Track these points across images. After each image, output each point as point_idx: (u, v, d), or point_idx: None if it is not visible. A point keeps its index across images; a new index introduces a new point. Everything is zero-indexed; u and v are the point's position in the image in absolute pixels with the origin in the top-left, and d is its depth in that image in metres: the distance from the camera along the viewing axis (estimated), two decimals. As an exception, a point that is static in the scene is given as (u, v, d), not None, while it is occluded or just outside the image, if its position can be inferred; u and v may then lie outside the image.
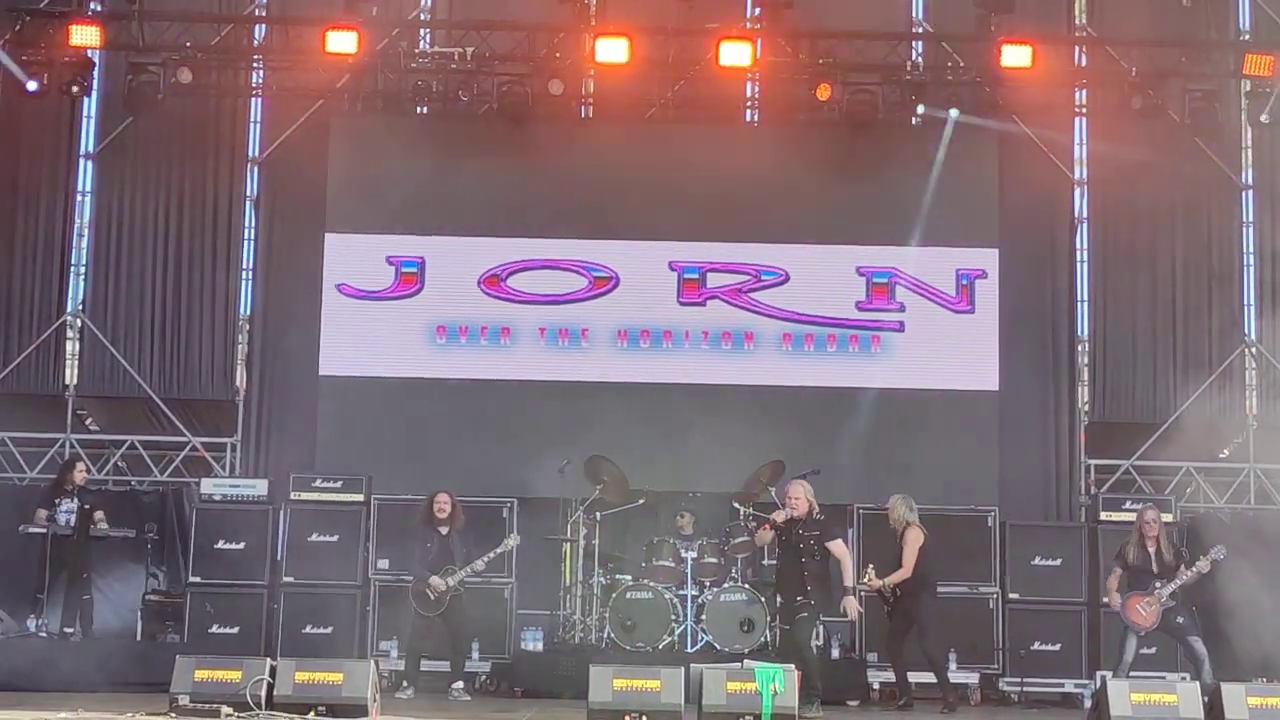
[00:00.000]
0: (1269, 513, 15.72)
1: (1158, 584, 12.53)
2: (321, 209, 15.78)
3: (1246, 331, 16.46)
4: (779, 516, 12.38)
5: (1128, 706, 10.82)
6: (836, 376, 15.69)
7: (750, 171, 15.53)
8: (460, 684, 12.83)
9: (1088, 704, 13.42)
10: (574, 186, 15.73)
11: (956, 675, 13.65)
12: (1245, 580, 13.68)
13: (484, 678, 13.78)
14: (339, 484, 14.34)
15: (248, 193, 16.29)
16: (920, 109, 15.52)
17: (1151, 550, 12.68)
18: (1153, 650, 13.15)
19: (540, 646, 13.71)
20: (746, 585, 13.60)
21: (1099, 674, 13.25)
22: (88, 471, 14.37)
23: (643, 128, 16.07)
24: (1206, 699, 11.16)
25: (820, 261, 15.83)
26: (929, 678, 13.08)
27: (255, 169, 16.30)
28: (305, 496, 14.31)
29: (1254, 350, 16.43)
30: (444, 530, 13.01)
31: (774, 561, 13.72)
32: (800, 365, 15.70)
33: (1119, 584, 12.70)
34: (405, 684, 12.86)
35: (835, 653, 13.65)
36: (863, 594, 12.96)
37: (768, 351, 15.75)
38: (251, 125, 16.35)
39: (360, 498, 14.27)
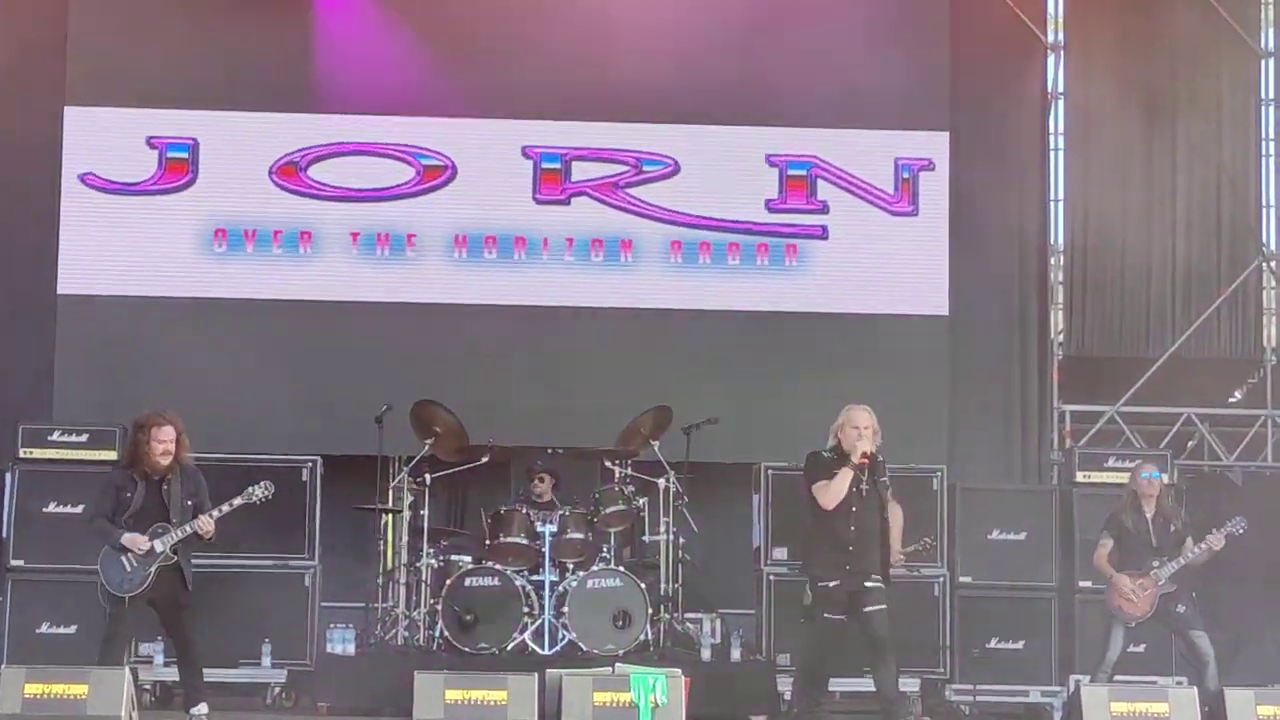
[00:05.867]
0: (1290, 472, 16.05)
1: (1155, 563, 12.73)
2: (60, 74, 15.55)
3: (1265, 241, 16.71)
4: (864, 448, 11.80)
5: (1107, 719, 11.00)
6: (740, 297, 15.76)
7: (628, 28, 15.45)
8: (203, 709, 12.06)
9: (1058, 717, 13.68)
10: (396, 47, 15.61)
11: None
12: (1262, 558, 13.95)
13: (278, 690, 13.71)
14: (85, 437, 14.18)
15: (-42, 53, 16.02)
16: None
17: (1150, 518, 12.88)
18: (1141, 648, 13.35)
19: (352, 649, 13.59)
20: (622, 568, 13.63)
21: (1073, 679, 13.44)
22: None
23: (486, -31, 16.03)
24: (1206, 708, 11.38)
25: (720, 147, 15.87)
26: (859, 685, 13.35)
27: (-32, 23, 16.03)
28: (39, 454, 14.12)
29: (1273, 265, 16.67)
30: (158, 476, 12.22)
31: (659, 536, 13.97)
32: (693, 282, 15.75)
33: (1110, 558, 12.90)
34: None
35: (736, 653, 13.75)
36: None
37: (651, 264, 15.78)
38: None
39: (113, 455, 14.10)
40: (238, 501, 12.09)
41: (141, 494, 12.02)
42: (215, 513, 11.95)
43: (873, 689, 13.09)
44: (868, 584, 11.74)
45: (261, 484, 12.19)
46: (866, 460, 11.73)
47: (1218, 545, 12.69)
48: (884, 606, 11.82)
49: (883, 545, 11.89)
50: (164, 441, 11.96)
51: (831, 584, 11.81)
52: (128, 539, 11.86)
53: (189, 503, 11.99)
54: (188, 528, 11.87)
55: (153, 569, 11.89)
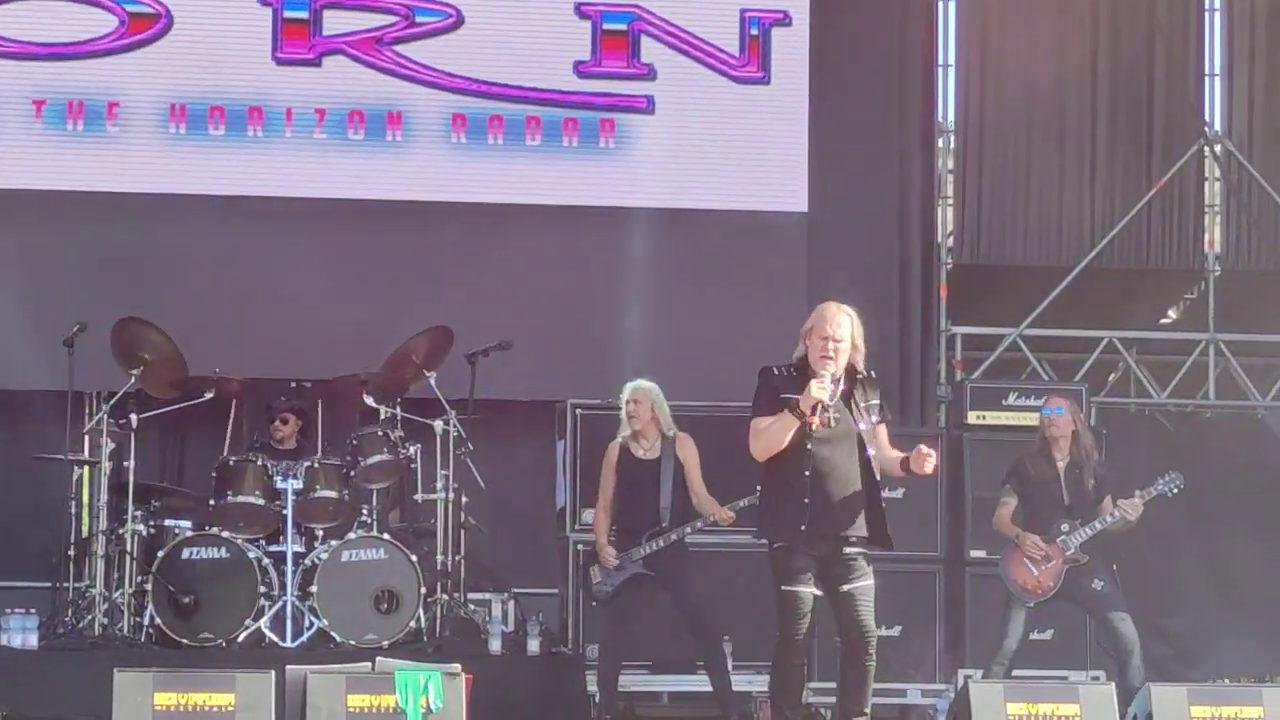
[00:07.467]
0: (1235, 413, 16.32)
1: (1064, 526, 12.87)
2: None
3: (1207, 120, 16.87)
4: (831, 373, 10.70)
5: (1002, 723, 11.14)
6: (541, 187, 15.76)
7: None
8: None
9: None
10: None
11: (736, 679, 13.83)
12: (1199, 522, 14.14)
13: (-61, 695, 13.64)
14: None
15: None
16: None
17: (1062, 469, 13.02)
18: (1048, 635, 13.49)
19: (34, 641, 13.56)
20: (387, 536, 13.69)
21: (961, 673, 13.60)
22: None
23: None
24: (1132, 712, 11.49)
25: (502, -6, 15.95)
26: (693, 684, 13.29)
27: None
28: None
29: (1218, 149, 16.85)
30: None
31: (436, 494, 13.99)
32: (480, 167, 15.77)
33: (1014, 518, 13.05)
34: None
35: (534, 644, 13.77)
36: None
37: (427, 144, 15.78)
38: None
39: None
40: None
41: None
42: None
43: (708, 689, 13.20)
44: (846, 551, 10.80)
45: None
46: (817, 404, 10.57)
47: (1133, 515, 12.73)
48: (870, 583, 10.85)
49: (869, 495, 10.82)
50: None
51: (777, 545, 10.80)
52: None
53: None
54: None
55: None
